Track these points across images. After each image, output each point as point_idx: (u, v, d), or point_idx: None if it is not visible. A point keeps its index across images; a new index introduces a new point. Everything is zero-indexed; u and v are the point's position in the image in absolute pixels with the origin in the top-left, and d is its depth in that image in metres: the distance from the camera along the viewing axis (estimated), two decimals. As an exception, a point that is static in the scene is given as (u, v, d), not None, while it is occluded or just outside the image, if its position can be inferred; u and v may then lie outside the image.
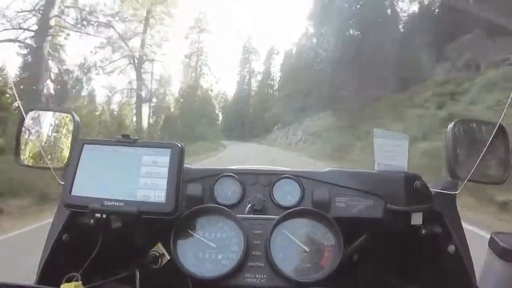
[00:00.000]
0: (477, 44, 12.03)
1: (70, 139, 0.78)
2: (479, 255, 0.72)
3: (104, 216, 0.65)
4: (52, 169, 0.74)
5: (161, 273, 0.70)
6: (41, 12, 16.13)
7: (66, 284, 0.59)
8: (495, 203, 4.66)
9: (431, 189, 0.76)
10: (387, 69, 15.89)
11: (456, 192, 0.74)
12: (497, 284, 0.64)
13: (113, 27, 20.18)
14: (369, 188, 0.78)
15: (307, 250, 0.69)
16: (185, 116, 27.97)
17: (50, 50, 16.85)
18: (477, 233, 3.25)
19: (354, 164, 10.17)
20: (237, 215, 0.72)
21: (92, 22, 19.35)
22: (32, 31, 16.05)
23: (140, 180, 0.65)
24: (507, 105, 0.70)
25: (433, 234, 0.75)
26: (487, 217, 4.46)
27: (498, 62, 10.60)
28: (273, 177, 0.83)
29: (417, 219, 0.75)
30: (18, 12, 15.57)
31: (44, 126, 0.82)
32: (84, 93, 20.53)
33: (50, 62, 17.17)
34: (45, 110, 0.83)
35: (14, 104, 9.32)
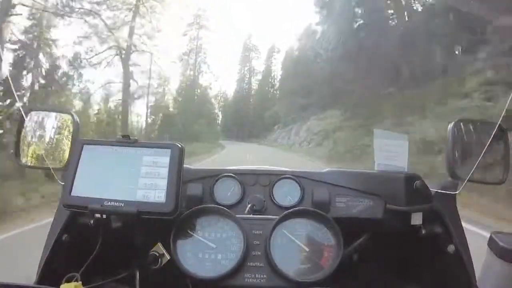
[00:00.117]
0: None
1: (70, 139, 0.78)
2: (479, 255, 0.72)
3: (104, 216, 0.65)
4: (52, 170, 0.74)
5: (160, 273, 0.70)
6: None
7: (66, 284, 0.59)
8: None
9: (431, 189, 0.76)
10: (400, 61, 13.94)
11: (456, 192, 0.74)
12: (497, 284, 0.64)
13: (98, 14, 17.61)
14: (369, 188, 0.78)
15: (307, 250, 0.69)
16: (183, 115, 27.43)
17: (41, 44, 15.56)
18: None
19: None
20: (237, 215, 0.72)
21: (76, 9, 16.63)
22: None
23: (140, 180, 0.65)
24: (507, 105, 0.70)
25: (433, 234, 0.75)
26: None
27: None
28: (273, 177, 0.83)
29: (417, 219, 0.75)
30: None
31: (44, 127, 0.82)
32: (75, 90, 18.29)
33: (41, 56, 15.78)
34: (45, 111, 0.83)
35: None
